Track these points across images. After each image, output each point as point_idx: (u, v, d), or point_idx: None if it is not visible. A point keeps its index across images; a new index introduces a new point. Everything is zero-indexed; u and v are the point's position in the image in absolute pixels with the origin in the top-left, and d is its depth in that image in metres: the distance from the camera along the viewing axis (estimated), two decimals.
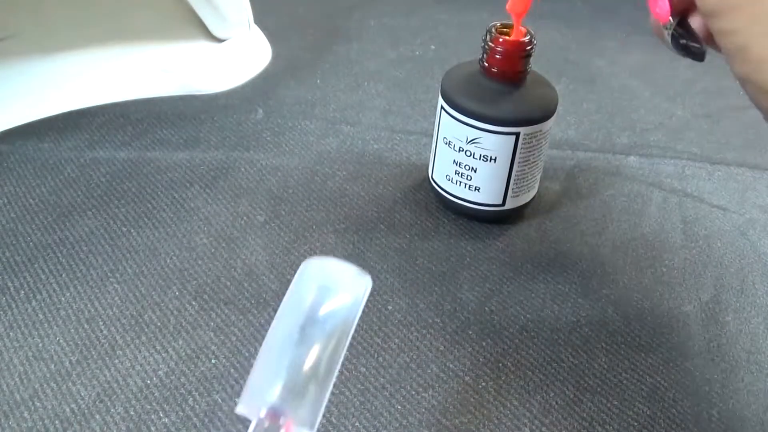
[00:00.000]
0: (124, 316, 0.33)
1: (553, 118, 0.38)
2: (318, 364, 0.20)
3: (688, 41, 0.30)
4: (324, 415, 0.30)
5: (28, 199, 0.40)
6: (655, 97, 0.56)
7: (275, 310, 0.34)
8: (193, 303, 0.34)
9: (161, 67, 0.50)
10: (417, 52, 0.58)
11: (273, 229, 0.39)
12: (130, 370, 0.31)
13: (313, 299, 0.21)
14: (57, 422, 0.28)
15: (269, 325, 0.33)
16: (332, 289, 0.22)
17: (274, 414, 0.20)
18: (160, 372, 0.31)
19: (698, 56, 0.30)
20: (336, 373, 0.21)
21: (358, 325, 0.34)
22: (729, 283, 0.38)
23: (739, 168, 0.48)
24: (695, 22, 0.30)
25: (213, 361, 0.31)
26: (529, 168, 0.38)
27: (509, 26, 0.37)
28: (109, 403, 0.29)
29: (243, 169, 0.43)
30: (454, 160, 0.38)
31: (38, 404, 0.29)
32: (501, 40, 0.36)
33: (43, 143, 0.44)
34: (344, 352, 0.21)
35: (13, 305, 0.33)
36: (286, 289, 0.35)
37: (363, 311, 0.34)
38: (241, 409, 0.20)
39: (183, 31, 0.53)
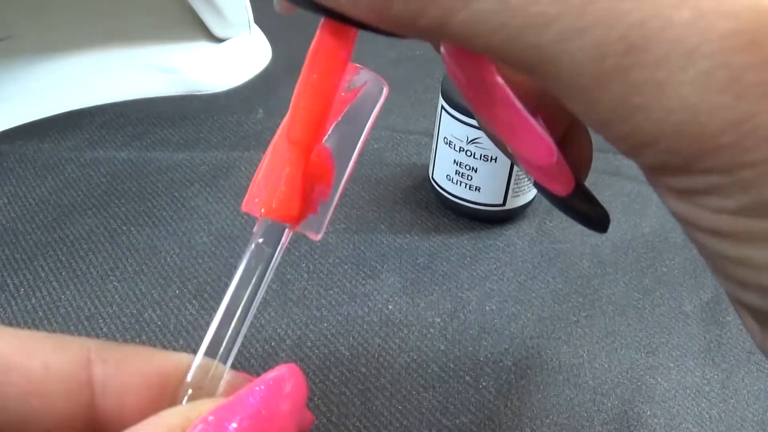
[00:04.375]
0: (124, 315, 0.33)
1: None
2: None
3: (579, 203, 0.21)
4: (324, 415, 0.30)
5: (29, 198, 0.40)
6: None
7: (275, 311, 0.34)
8: (194, 302, 0.34)
9: (161, 67, 0.50)
10: (417, 52, 0.58)
11: None
12: None
13: None
14: None
15: (269, 326, 0.33)
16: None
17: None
18: None
19: (596, 223, 0.22)
20: (348, 176, 0.19)
21: (359, 325, 0.34)
22: None
23: None
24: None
25: None
26: None
27: None
28: None
29: (243, 169, 0.43)
30: (455, 160, 0.38)
31: None
32: None
33: (43, 143, 0.44)
34: (357, 153, 0.19)
35: (13, 302, 0.33)
36: (287, 289, 0.36)
37: (363, 311, 0.34)
38: (247, 207, 0.19)
39: (183, 31, 0.53)
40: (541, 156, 0.17)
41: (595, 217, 0.22)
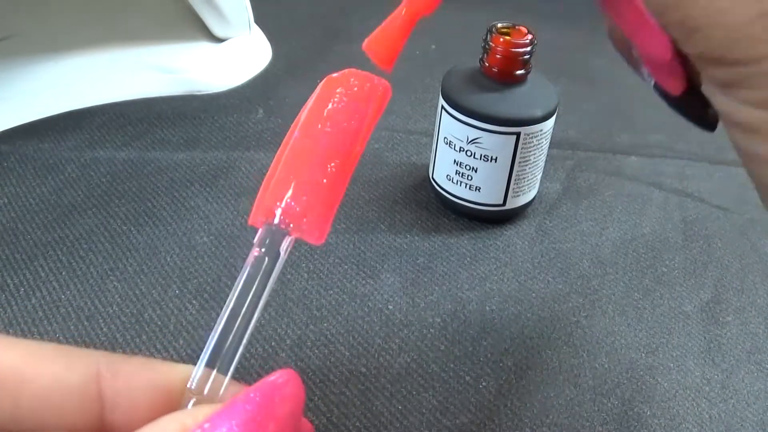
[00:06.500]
0: (124, 314, 0.33)
1: (553, 118, 0.38)
2: (330, 166, 0.19)
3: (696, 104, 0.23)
4: (324, 415, 0.29)
5: (29, 198, 0.40)
6: (656, 96, 0.56)
7: (276, 310, 0.34)
8: (194, 302, 0.34)
9: (161, 67, 0.50)
10: (417, 52, 0.58)
11: None
12: None
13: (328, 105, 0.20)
14: None
15: (270, 326, 0.33)
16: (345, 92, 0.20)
17: (285, 219, 0.19)
18: None
19: (705, 124, 0.24)
20: (347, 180, 0.19)
21: (359, 325, 0.34)
22: (729, 283, 0.38)
23: (740, 168, 0.48)
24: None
25: None
26: (529, 168, 0.38)
27: (510, 27, 0.37)
28: None
29: (243, 169, 0.43)
30: (455, 160, 0.38)
31: None
32: (502, 40, 0.36)
33: (43, 143, 0.44)
34: (356, 158, 0.20)
35: (13, 302, 0.33)
36: (287, 289, 0.36)
37: (363, 311, 0.34)
38: (252, 221, 0.19)
39: (183, 31, 0.53)
40: (659, 51, 0.21)
41: (705, 119, 0.25)
